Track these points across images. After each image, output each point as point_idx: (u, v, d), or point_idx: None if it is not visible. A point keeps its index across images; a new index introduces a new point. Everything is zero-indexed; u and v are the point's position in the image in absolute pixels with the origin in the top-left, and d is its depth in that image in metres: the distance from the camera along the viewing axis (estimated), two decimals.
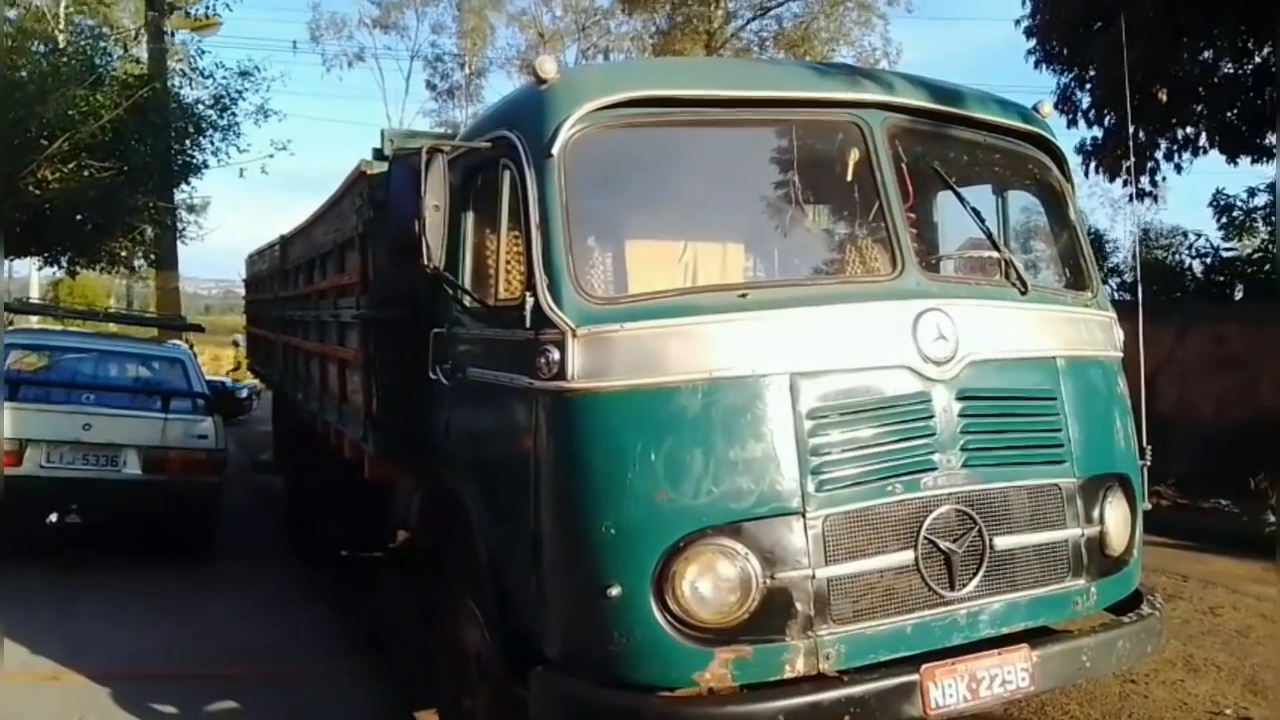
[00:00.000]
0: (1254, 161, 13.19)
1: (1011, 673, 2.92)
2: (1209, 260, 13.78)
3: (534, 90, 3.06)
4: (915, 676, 2.78)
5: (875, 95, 3.21)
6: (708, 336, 2.80)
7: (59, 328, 9.25)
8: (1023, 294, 3.28)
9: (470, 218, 3.50)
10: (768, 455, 2.75)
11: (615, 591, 2.67)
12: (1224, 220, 13.62)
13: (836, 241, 3.41)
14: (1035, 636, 3.06)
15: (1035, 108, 3.79)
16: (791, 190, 3.23)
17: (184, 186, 12.31)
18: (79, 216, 10.09)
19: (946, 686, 2.82)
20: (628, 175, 3.26)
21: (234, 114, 11.99)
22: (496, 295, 3.18)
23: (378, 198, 4.07)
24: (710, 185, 3.40)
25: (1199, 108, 12.37)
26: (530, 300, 2.89)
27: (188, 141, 11.72)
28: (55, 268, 11.93)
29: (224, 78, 11.98)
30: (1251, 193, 13.87)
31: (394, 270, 4.03)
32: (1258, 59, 12.26)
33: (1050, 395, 3.19)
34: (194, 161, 11.86)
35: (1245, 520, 8.45)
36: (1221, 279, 13.72)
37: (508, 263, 3.22)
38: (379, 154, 4.12)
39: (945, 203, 3.68)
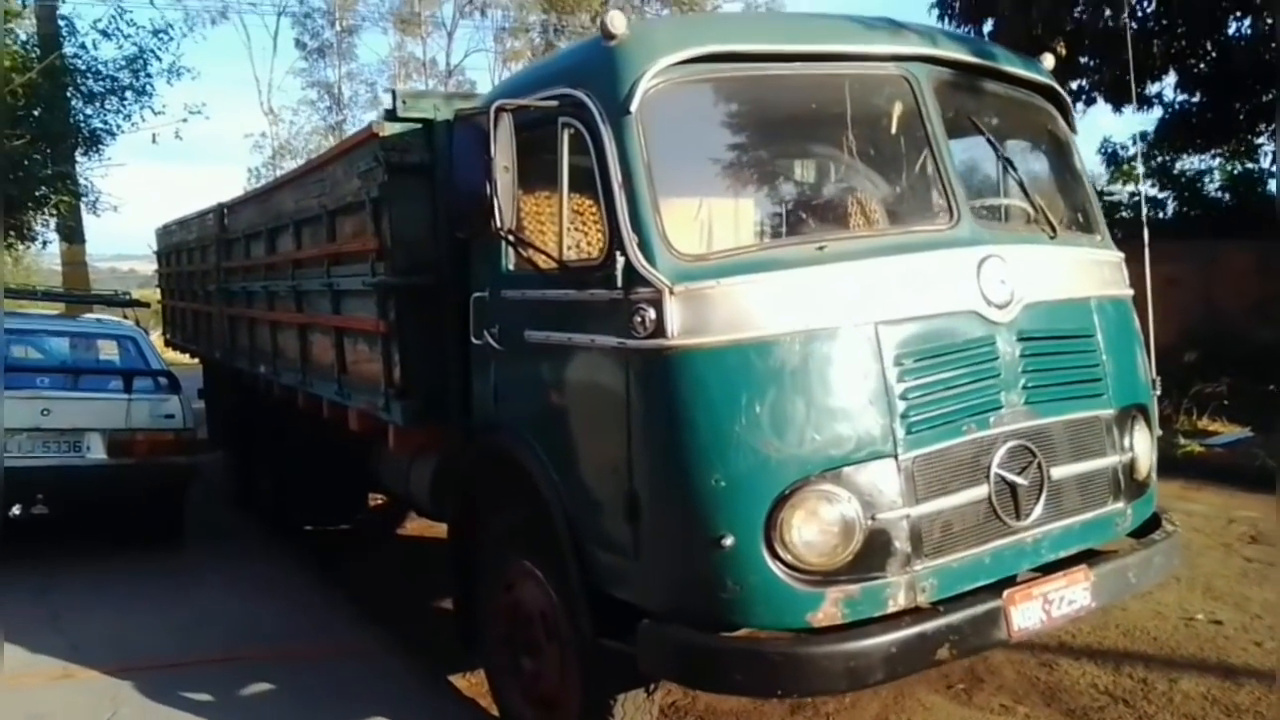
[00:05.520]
0: (1136, 110, 14.05)
1: (1076, 593, 3.14)
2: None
3: (603, 47, 3.02)
4: (1000, 602, 2.96)
5: (921, 49, 3.31)
6: (798, 289, 2.86)
7: None
8: (1052, 238, 3.47)
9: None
10: (861, 402, 2.85)
11: (729, 542, 2.73)
12: (1112, 167, 14.47)
13: (890, 192, 3.51)
14: (1086, 558, 3.29)
15: (1040, 60, 3.97)
16: (847, 143, 3.31)
17: (93, 154, 11.51)
18: None
19: (1025, 610, 3.01)
20: (699, 131, 3.27)
21: (148, 74, 11.25)
22: (560, 256, 3.15)
23: (394, 161, 3.94)
24: (777, 139, 3.45)
25: (1085, 59, 13.05)
26: (620, 259, 2.89)
27: (99, 104, 10.92)
28: None
29: (134, 37, 11.20)
30: (1135, 140, 14.76)
31: (420, 235, 3.94)
32: (1139, 14, 13.03)
33: (1089, 333, 3.39)
34: (106, 126, 11.09)
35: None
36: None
37: (571, 223, 3.19)
38: (391, 114, 3.98)
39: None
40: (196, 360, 9.30)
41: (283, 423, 6.46)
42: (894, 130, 3.37)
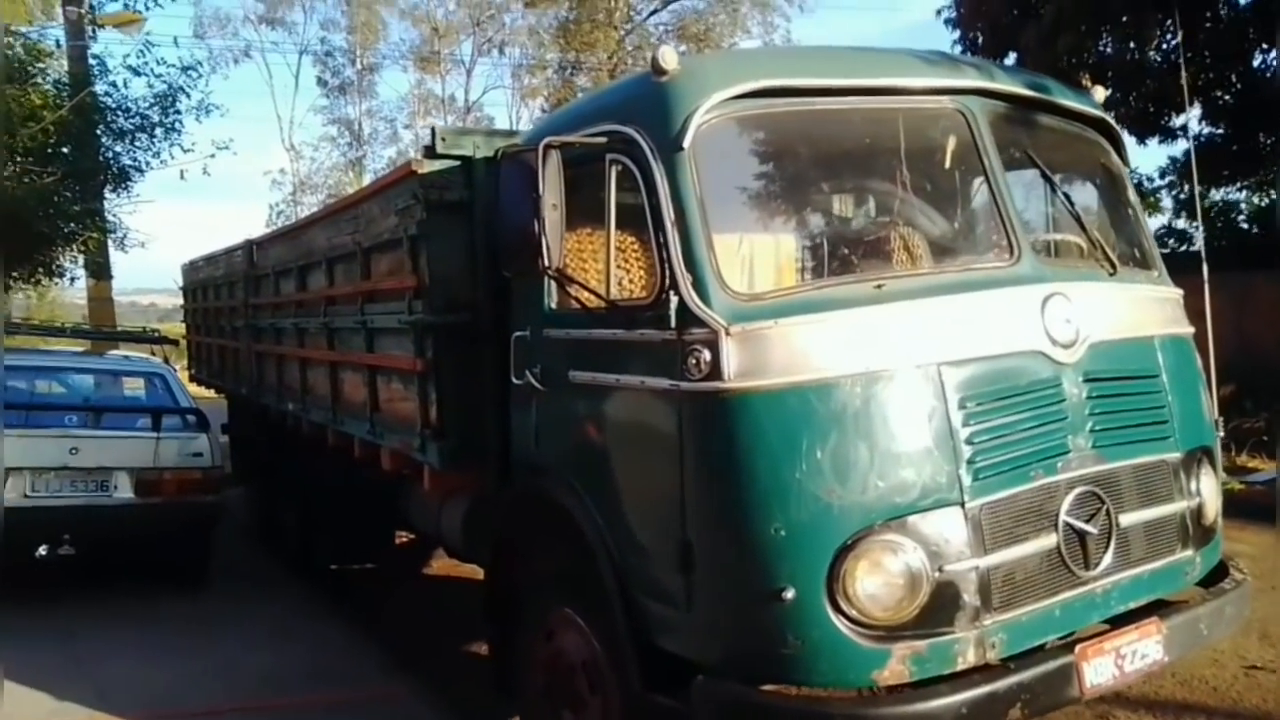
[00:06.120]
0: (1160, 142, 13.94)
1: (1148, 646, 2.99)
2: None
3: (654, 82, 2.95)
4: (1072, 658, 2.82)
5: (976, 82, 3.23)
6: (858, 329, 2.76)
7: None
8: (1111, 275, 3.35)
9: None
10: (925, 447, 2.73)
11: (790, 594, 2.61)
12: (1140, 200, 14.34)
13: (947, 228, 3.41)
14: (1155, 610, 3.14)
15: (1091, 93, 3.88)
16: (901, 177, 3.22)
17: (122, 191, 11.59)
18: (21, 226, 9.30)
19: (1098, 665, 2.87)
20: (752, 167, 3.19)
21: (178, 110, 11.34)
22: (607, 295, 3.06)
23: (433, 198, 3.88)
24: (830, 174, 3.37)
25: (1111, 91, 12.96)
26: (674, 299, 2.80)
27: (129, 141, 11.00)
28: None
29: (164, 75, 11.33)
30: (1162, 173, 14.65)
31: (459, 273, 3.87)
32: (1164, 46, 12.95)
33: (1154, 373, 3.27)
34: (135, 163, 11.17)
35: None
36: None
37: (619, 262, 3.11)
38: (430, 151, 3.93)
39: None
40: (220, 395, 9.26)
41: (309, 459, 6.37)
42: (949, 165, 3.29)
